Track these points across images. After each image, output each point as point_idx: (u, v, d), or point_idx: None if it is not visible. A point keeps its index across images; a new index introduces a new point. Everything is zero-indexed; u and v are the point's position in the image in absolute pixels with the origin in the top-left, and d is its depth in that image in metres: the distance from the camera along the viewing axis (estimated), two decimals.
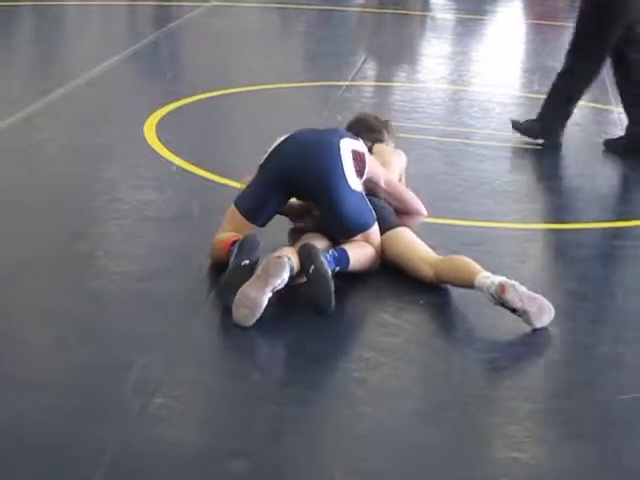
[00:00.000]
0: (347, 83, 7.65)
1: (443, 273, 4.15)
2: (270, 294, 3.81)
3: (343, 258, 4.12)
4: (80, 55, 8.37)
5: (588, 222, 5.24)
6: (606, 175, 6.14)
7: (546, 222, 5.27)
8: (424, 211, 4.61)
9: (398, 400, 3.44)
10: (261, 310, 3.77)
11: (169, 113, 6.51)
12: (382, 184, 4.50)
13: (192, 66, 8.35)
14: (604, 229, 5.19)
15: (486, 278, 3.95)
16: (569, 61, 6.37)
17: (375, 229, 4.29)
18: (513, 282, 3.90)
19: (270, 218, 4.32)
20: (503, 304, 3.89)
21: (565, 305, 4.24)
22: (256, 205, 4.26)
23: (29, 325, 3.80)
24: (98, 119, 6.39)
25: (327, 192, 4.19)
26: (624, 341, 3.96)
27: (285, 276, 3.86)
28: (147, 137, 5.96)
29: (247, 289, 3.80)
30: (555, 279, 4.60)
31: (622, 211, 5.54)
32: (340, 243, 4.23)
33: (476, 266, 4.05)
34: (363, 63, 8.65)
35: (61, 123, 6.27)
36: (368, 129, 4.81)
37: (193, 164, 5.50)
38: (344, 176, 4.21)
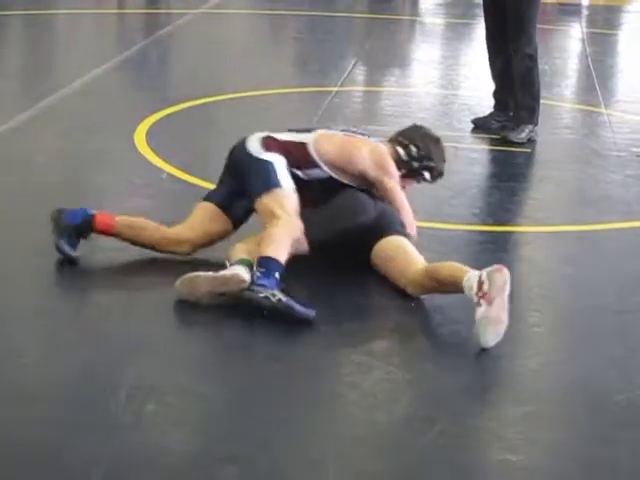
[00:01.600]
0: (337, 88, 7.66)
1: (424, 285, 4.12)
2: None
3: (270, 266, 4.04)
4: (70, 63, 8.37)
5: (581, 224, 5.25)
6: (598, 177, 6.15)
7: (537, 225, 5.27)
8: (412, 230, 4.47)
9: (390, 404, 3.44)
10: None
11: (159, 120, 6.51)
12: (373, 176, 4.44)
13: (182, 73, 8.35)
14: (607, 230, 5.19)
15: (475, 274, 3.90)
16: (527, 45, 6.45)
17: (279, 192, 4.25)
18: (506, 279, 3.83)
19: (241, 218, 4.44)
20: (480, 286, 3.81)
21: (558, 304, 4.25)
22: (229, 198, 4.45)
23: (20, 333, 3.79)
24: (88, 127, 6.38)
25: (237, 170, 4.43)
26: (620, 342, 3.97)
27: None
28: (137, 144, 5.96)
29: (202, 281, 3.98)
30: (546, 281, 4.60)
31: (626, 211, 5.52)
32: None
33: (460, 270, 3.98)
34: (353, 68, 8.66)
35: (51, 131, 6.27)
36: (405, 136, 4.68)
37: (183, 171, 5.51)
38: (247, 150, 4.40)
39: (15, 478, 2.93)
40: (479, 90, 7.72)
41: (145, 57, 8.73)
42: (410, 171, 4.58)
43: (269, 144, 4.42)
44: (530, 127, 6.55)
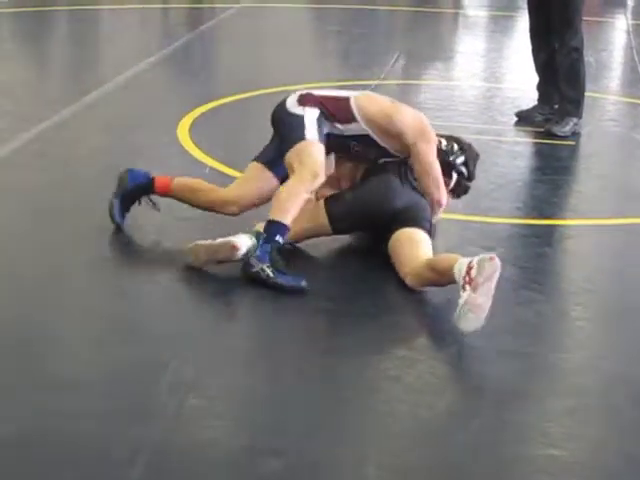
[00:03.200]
0: (379, 81, 7.65)
1: (422, 276, 4.11)
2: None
3: (272, 230, 4.13)
4: (114, 58, 8.42)
5: (628, 217, 5.21)
6: None
7: (582, 218, 5.23)
8: (443, 201, 4.44)
9: (433, 398, 3.44)
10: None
11: (202, 115, 6.53)
12: (411, 140, 4.40)
13: (225, 67, 8.37)
14: None
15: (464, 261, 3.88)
16: (572, 38, 6.42)
17: (301, 145, 4.28)
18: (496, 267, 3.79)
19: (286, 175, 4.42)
20: (469, 271, 3.79)
21: (602, 298, 4.22)
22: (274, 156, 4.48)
23: (65, 326, 3.83)
24: (132, 121, 6.42)
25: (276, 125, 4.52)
26: None
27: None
28: (180, 139, 5.98)
29: (201, 248, 4.17)
30: (590, 274, 4.57)
31: None
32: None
33: (453, 259, 3.96)
34: (395, 61, 8.63)
35: (95, 126, 6.31)
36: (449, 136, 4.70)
37: (226, 165, 5.52)
38: (284, 105, 4.49)
39: (60, 468, 2.96)
40: (522, 83, 7.67)
41: (188, 52, 8.75)
42: (442, 163, 4.53)
43: (305, 99, 4.46)
44: (575, 120, 6.50)
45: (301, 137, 4.33)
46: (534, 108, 6.79)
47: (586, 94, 6.59)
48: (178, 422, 3.20)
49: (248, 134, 6.33)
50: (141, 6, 10.75)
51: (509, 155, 6.19)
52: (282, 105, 4.52)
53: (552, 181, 5.76)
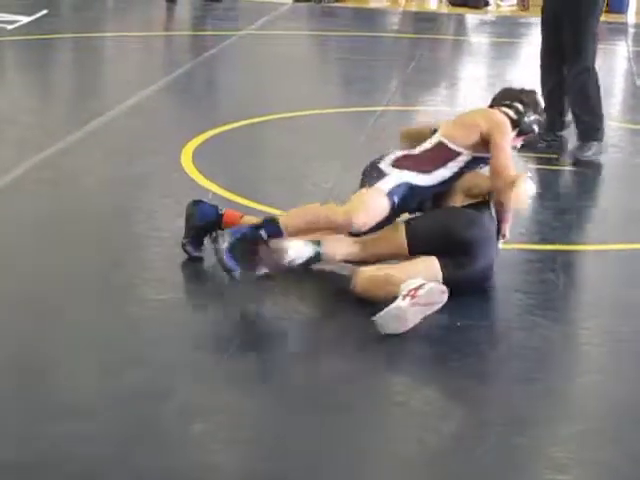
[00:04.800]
0: (383, 108, 7.67)
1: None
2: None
3: (268, 226, 4.31)
4: (117, 85, 8.45)
5: (631, 243, 5.22)
6: None
7: (586, 244, 5.23)
8: (509, 187, 4.39)
9: (439, 423, 3.43)
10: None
11: (206, 141, 6.55)
12: (487, 131, 4.49)
13: (227, 94, 8.40)
14: None
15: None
16: (583, 60, 6.46)
17: (367, 191, 4.38)
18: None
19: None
20: (417, 288, 3.96)
21: (608, 324, 4.22)
22: None
23: (72, 353, 3.83)
24: (136, 148, 6.44)
25: None
26: None
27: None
28: (184, 165, 6.00)
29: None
30: (596, 299, 4.56)
31: None
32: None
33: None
34: (398, 88, 8.67)
35: (99, 153, 6.32)
36: (505, 97, 4.77)
37: (230, 191, 5.53)
38: (378, 163, 4.52)
39: None
40: None
41: (191, 78, 8.79)
42: (521, 129, 4.65)
43: (400, 161, 4.49)
44: (596, 144, 6.50)
45: (373, 183, 4.40)
46: (537, 134, 6.80)
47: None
48: (183, 447, 3.20)
49: (251, 160, 6.36)
50: (144, 34, 10.80)
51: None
52: (375, 162, 4.53)
53: (555, 206, 5.76)
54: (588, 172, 6.43)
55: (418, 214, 4.59)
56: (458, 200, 4.58)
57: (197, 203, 4.68)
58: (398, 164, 4.48)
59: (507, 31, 12.02)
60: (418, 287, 3.96)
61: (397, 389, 3.66)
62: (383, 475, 3.14)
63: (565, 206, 5.88)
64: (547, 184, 6.30)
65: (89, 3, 12.53)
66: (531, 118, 4.66)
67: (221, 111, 7.66)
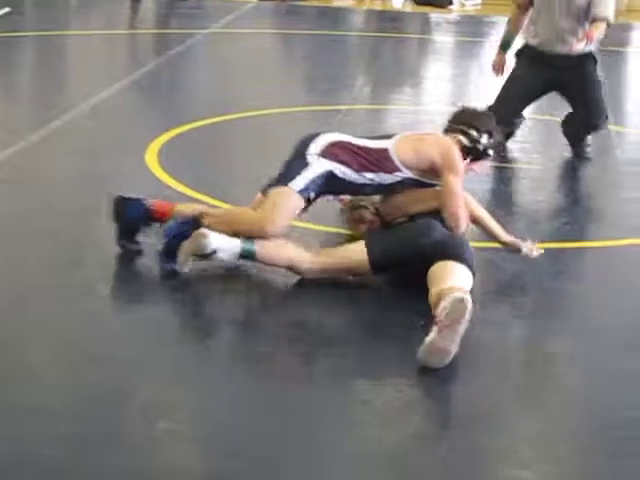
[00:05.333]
0: (347, 107, 7.68)
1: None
2: None
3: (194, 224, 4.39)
4: (81, 84, 8.42)
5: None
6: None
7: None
8: (462, 228, 4.48)
9: (401, 422, 3.45)
10: None
11: (170, 140, 6.54)
12: (440, 167, 4.53)
13: (192, 93, 8.38)
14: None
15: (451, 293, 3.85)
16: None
17: (287, 191, 4.41)
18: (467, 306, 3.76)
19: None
20: (441, 311, 3.76)
21: (570, 321, 4.25)
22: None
23: (32, 352, 3.81)
24: (99, 147, 6.42)
25: None
26: (630, 358, 3.96)
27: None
28: (149, 164, 5.98)
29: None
30: (556, 299, 4.60)
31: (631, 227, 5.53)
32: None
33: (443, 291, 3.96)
34: (362, 87, 8.69)
35: (62, 152, 6.30)
36: (459, 121, 4.78)
37: (195, 190, 5.53)
38: (307, 143, 4.56)
39: None
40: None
41: (156, 77, 8.77)
42: (476, 155, 4.69)
43: (330, 151, 4.50)
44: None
45: (286, 182, 4.43)
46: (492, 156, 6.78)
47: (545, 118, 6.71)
48: (148, 447, 3.19)
49: (216, 159, 6.36)
50: (108, 32, 10.76)
51: (477, 179, 6.21)
52: (307, 140, 4.57)
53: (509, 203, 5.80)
54: (547, 171, 6.48)
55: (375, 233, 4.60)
56: (397, 215, 4.63)
57: (123, 200, 4.68)
58: (326, 153, 4.49)
59: (471, 30, 12.08)
60: (440, 310, 3.75)
61: (360, 388, 3.67)
62: (345, 474, 3.15)
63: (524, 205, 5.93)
64: (506, 183, 6.35)
65: (52, 1, 12.47)
66: (485, 143, 4.70)
67: (186, 110, 7.64)
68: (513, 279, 4.72)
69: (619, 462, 3.26)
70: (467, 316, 3.75)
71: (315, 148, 4.52)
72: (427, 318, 4.13)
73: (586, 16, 6.37)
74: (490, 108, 6.32)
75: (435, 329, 3.73)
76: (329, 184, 4.51)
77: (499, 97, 6.66)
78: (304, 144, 4.56)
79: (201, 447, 3.27)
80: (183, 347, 3.88)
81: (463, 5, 14.01)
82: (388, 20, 12.76)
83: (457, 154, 4.59)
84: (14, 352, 3.78)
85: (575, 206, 5.90)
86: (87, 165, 6.01)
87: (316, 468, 3.16)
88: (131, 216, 4.62)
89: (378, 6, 13.91)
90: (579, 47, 6.30)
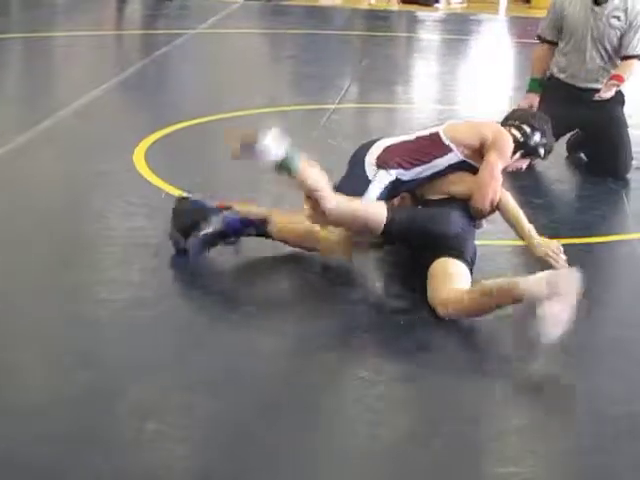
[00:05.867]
0: (335, 106, 7.69)
1: (456, 304, 4.11)
2: None
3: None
4: (68, 85, 8.40)
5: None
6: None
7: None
8: (485, 206, 4.49)
9: (394, 419, 3.45)
10: None
11: (158, 140, 6.53)
12: (489, 157, 4.52)
13: (180, 93, 8.38)
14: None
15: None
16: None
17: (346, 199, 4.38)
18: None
19: None
20: (549, 285, 3.80)
21: None
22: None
23: (22, 353, 3.80)
24: (87, 148, 6.40)
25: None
26: (622, 354, 3.97)
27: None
28: (136, 164, 5.98)
29: None
30: None
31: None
32: None
33: (510, 279, 4.01)
34: (350, 85, 8.69)
35: (50, 153, 6.29)
36: (515, 118, 4.80)
37: (183, 190, 5.51)
38: (364, 159, 4.56)
39: None
40: (475, 105, 7.74)
41: (143, 77, 8.75)
42: (526, 151, 4.70)
43: (382, 158, 4.52)
44: None
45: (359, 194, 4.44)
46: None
47: None
48: (136, 447, 3.19)
49: (204, 159, 6.35)
50: (95, 33, 10.74)
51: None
52: (362, 154, 4.57)
53: None
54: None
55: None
56: (436, 193, 4.62)
57: (188, 201, 4.66)
58: (381, 162, 4.51)
59: (457, 28, 12.09)
60: (548, 283, 3.81)
61: (351, 386, 3.67)
62: (337, 472, 3.15)
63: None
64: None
65: (39, 2, 12.45)
66: (537, 141, 4.72)
67: (174, 110, 7.63)
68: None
69: (609, 458, 3.27)
70: (577, 285, 3.82)
71: (370, 162, 4.52)
72: (411, 317, 4.16)
73: (617, 53, 6.19)
74: None
75: (547, 302, 3.77)
76: (395, 188, 4.53)
77: None
78: (358, 161, 4.56)
79: (191, 448, 3.26)
80: (174, 349, 3.87)
81: (449, 3, 14.03)
82: (374, 19, 12.77)
83: (510, 141, 4.60)
84: (4, 353, 3.77)
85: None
86: (75, 166, 6.00)
87: (309, 466, 3.16)
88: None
89: (364, 5, 13.92)
90: (610, 93, 6.06)
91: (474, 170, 4.57)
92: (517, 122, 4.73)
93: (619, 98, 6.27)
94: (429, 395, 3.68)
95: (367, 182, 4.48)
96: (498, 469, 3.20)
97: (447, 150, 4.55)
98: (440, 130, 4.62)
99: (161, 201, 5.40)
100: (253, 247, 4.53)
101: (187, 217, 4.57)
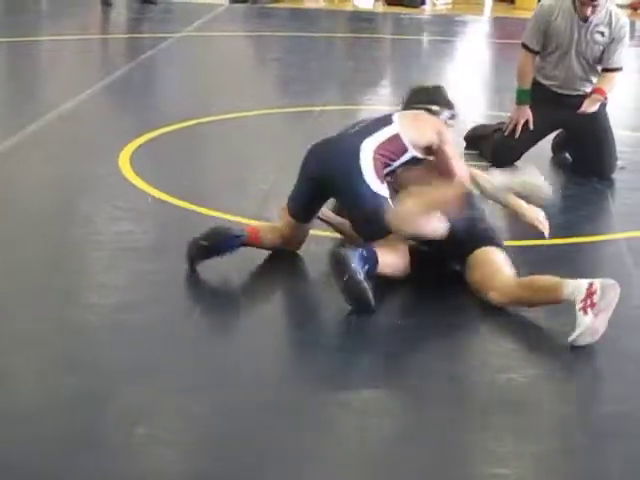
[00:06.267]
0: (321, 108, 7.69)
1: (512, 294, 4.21)
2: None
3: (371, 258, 4.22)
4: (54, 89, 8.39)
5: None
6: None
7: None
8: (465, 180, 4.58)
9: (381, 421, 3.46)
10: None
11: (144, 144, 6.53)
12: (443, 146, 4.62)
13: (165, 96, 8.38)
14: None
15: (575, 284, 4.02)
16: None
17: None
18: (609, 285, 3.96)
19: (314, 214, 4.65)
20: (591, 295, 3.93)
21: (545, 313, 4.28)
22: (299, 206, 4.58)
23: (11, 358, 3.80)
24: (73, 152, 6.40)
25: (346, 192, 4.46)
26: (609, 353, 3.99)
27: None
28: (122, 169, 5.97)
29: None
30: None
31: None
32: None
33: (557, 279, 4.11)
34: (336, 88, 8.70)
35: (36, 157, 6.28)
36: (417, 99, 4.89)
37: (169, 194, 5.52)
38: (362, 178, 4.41)
39: None
40: (461, 106, 7.73)
41: (128, 81, 8.75)
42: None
43: (378, 168, 4.48)
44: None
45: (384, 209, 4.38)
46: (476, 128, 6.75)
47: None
48: (127, 451, 3.19)
49: (190, 163, 6.35)
50: (80, 37, 10.73)
51: None
52: (354, 171, 4.43)
53: None
54: None
55: None
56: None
57: (224, 232, 4.51)
58: (379, 176, 4.49)
59: (443, 29, 12.12)
60: (589, 293, 3.95)
61: (339, 389, 3.67)
62: (325, 476, 3.16)
63: None
64: None
65: (23, 6, 12.43)
66: (448, 115, 4.83)
67: (159, 114, 7.63)
68: None
69: (597, 458, 3.28)
70: (617, 300, 3.96)
71: (371, 177, 4.45)
72: (405, 318, 4.17)
73: (598, 63, 6.20)
74: (493, 152, 6.28)
75: (590, 312, 3.92)
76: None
77: (502, 140, 6.35)
78: (355, 165, 4.48)
79: (181, 451, 3.27)
80: (163, 353, 3.87)
81: (435, 5, 14.06)
82: (360, 21, 12.79)
83: (446, 128, 4.71)
84: None
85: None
86: (61, 171, 5.99)
87: (297, 470, 3.17)
88: (224, 247, 4.47)
89: (349, 7, 13.94)
90: (594, 108, 6.11)
91: (417, 162, 4.67)
92: (424, 105, 4.81)
93: (602, 104, 6.29)
94: (415, 398, 3.68)
95: (372, 193, 4.40)
96: (486, 470, 3.21)
97: (404, 151, 4.60)
98: (399, 132, 4.60)
99: (147, 205, 5.41)
100: (240, 250, 4.52)
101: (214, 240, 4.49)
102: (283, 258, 4.67)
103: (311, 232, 4.74)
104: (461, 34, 12.16)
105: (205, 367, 3.82)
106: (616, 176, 6.28)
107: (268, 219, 4.92)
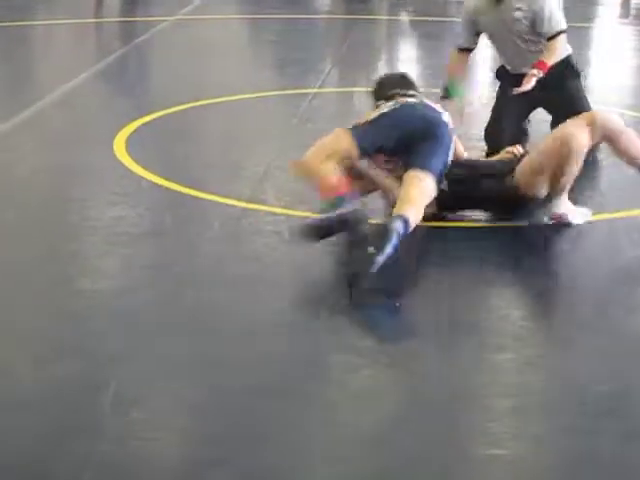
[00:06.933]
0: (316, 90, 7.67)
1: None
2: None
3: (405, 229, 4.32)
4: (48, 74, 8.37)
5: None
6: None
7: None
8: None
9: (377, 403, 3.46)
10: None
11: (139, 128, 6.51)
12: None
13: (160, 80, 8.36)
14: None
15: None
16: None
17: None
18: None
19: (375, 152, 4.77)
20: None
21: (543, 297, 4.27)
22: (369, 142, 4.71)
23: (5, 344, 3.80)
24: (68, 137, 6.39)
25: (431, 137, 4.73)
26: (604, 333, 3.98)
27: None
28: (117, 153, 5.96)
29: None
30: (532, 277, 4.62)
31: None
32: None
33: None
34: (331, 70, 8.67)
35: (31, 143, 6.26)
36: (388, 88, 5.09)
37: (164, 178, 5.51)
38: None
39: None
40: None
41: (123, 66, 8.73)
42: None
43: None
44: None
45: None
46: None
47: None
48: (122, 437, 3.19)
49: (185, 147, 6.33)
50: (73, 21, 10.70)
51: None
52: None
53: None
54: None
55: None
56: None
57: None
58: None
59: (440, 11, 12.07)
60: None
61: (336, 370, 3.67)
62: (321, 456, 3.16)
63: None
64: None
65: None
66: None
67: (154, 98, 7.62)
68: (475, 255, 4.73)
69: (594, 438, 3.28)
70: None
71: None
72: (403, 299, 4.16)
73: (538, 35, 6.11)
74: (485, 137, 6.30)
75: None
76: None
77: (491, 126, 6.34)
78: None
79: (177, 435, 3.27)
80: (156, 338, 3.87)
81: None
82: (355, 2, 12.74)
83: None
84: None
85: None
86: (56, 156, 5.98)
87: (293, 452, 3.17)
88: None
89: None
90: (530, 85, 5.94)
91: None
92: (395, 91, 5.00)
93: (566, 66, 6.23)
94: (412, 379, 3.68)
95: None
96: (481, 451, 3.21)
97: None
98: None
99: (142, 190, 5.39)
100: (234, 234, 4.52)
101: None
102: (278, 241, 4.66)
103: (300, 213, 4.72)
104: (457, 15, 12.09)
105: (200, 351, 3.82)
106: (601, 156, 6.26)
107: (263, 201, 4.91)
